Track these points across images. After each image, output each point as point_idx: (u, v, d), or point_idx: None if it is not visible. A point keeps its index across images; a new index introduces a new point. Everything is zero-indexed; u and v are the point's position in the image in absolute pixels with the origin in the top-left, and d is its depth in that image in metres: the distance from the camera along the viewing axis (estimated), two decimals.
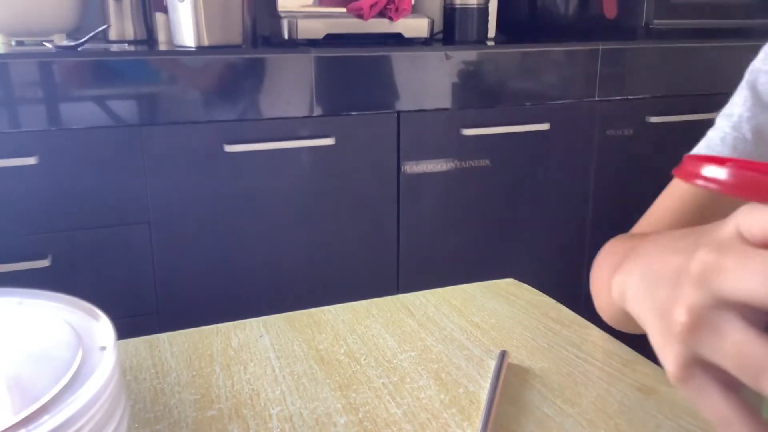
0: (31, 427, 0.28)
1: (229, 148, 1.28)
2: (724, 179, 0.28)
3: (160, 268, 1.29)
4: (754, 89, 0.58)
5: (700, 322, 0.27)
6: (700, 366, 0.27)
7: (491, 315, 0.55)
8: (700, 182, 0.29)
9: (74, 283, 1.24)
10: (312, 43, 1.39)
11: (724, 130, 0.58)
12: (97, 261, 1.25)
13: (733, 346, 0.25)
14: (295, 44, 1.40)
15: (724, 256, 0.26)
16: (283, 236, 1.37)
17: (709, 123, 0.60)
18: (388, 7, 1.44)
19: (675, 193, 0.59)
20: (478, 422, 0.40)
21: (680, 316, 0.27)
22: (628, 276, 0.35)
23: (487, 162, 1.48)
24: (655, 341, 0.30)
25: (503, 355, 0.47)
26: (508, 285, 0.62)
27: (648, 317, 0.32)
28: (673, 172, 0.33)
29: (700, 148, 0.60)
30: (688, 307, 0.27)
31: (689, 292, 0.27)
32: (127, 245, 1.26)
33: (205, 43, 1.32)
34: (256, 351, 0.49)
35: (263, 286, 1.37)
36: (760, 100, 0.57)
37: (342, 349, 0.50)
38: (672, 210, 0.58)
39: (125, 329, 0.44)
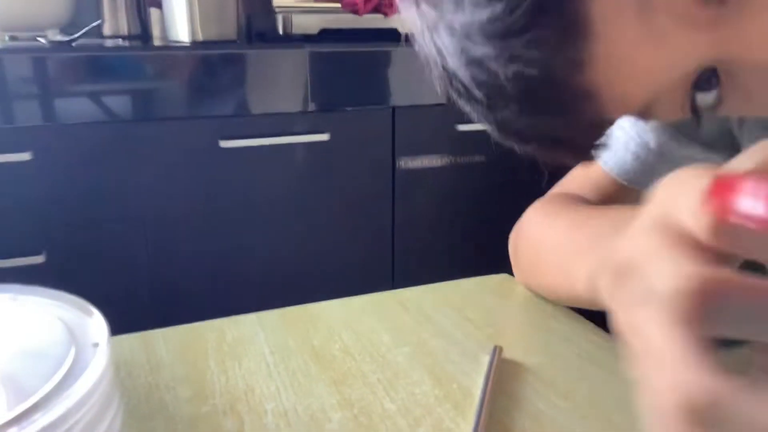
0: (23, 424, 0.28)
1: (224, 144, 1.27)
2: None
3: (155, 263, 1.29)
4: None
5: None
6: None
7: (485, 310, 0.56)
8: (736, 219, 0.20)
9: (69, 280, 1.23)
10: (307, 39, 1.39)
11: (629, 134, 0.56)
12: (91, 257, 1.25)
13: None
14: (290, 39, 1.40)
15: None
16: (278, 232, 1.37)
17: None
18: (382, 2, 1.44)
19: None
20: (472, 417, 0.40)
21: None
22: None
23: (483, 158, 1.48)
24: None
25: (497, 350, 0.47)
26: (502, 280, 0.62)
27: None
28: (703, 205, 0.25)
29: (607, 152, 0.57)
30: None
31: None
32: (121, 241, 1.26)
33: (200, 38, 1.32)
34: (250, 347, 0.49)
35: (258, 282, 1.37)
36: None
37: (337, 345, 0.50)
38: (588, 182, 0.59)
39: (120, 325, 0.43)
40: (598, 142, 0.36)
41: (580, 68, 0.30)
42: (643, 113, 0.35)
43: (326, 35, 1.42)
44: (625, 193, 0.57)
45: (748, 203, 0.19)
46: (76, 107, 1.19)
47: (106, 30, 1.53)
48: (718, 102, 0.33)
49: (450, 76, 0.35)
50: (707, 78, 0.32)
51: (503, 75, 0.31)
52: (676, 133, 0.54)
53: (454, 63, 0.34)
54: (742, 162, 0.21)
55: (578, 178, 0.61)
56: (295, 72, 1.31)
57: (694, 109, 0.34)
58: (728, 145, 0.52)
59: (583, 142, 0.36)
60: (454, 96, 0.37)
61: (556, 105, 0.32)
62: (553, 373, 0.46)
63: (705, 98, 0.33)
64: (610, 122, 0.35)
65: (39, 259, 1.20)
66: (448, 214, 1.49)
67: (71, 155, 1.20)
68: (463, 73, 0.33)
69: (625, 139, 0.56)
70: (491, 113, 0.35)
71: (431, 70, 0.37)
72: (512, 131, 0.35)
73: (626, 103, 0.33)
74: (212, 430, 0.40)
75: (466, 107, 0.37)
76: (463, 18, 0.31)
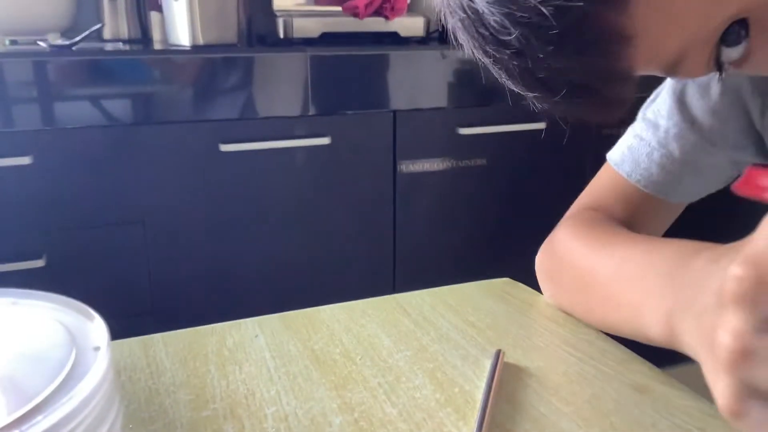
0: (24, 427, 0.28)
1: (225, 148, 1.27)
2: None
3: (155, 267, 1.29)
4: (681, 102, 0.55)
5: (747, 347, 0.24)
6: (756, 397, 0.24)
7: (487, 314, 0.55)
8: None
9: (69, 283, 1.23)
10: (307, 42, 1.39)
11: (651, 144, 0.56)
12: (91, 261, 1.25)
13: None
14: (291, 43, 1.40)
15: (761, 269, 0.23)
16: (279, 236, 1.37)
17: None
18: (383, 6, 1.44)
19: (609, 172, 0.60)
20: (474, 421, 0.40)
21: (725, 340, 0.24)
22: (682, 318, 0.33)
23: (484, 161, 1.48)
24: (707, 375, 0.27)
25: (499, 354, 0.47)
26: (503, 284, 0.62)
27: (698, 350, 0.29)
28: (734, 188, 0.32)
29: (626, 158, 0.58)
30: (732, 330, 0.24)
31: (731, 314, 0.24)
32: (121, 245, 1.26)
33: (201, 42, 1.32)
34: (251, 351, 0.49)
35: (258, 286, 1.37)
36: (688, 116, 0.54)
37: (337, 349, 0.50)
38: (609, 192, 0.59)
39: (120, 329, 0.43)
40: (622, 98, 0.36)
41: (622, 7, 0.31)
42: (671, 68, 0.35)
43: (327, 39, 1.42)
44: (653, 204, 0.57)
45: None
46: (76, 111, 1.19)
47: (107, 34, 1.53)
48: (745, 57, 0.34)
49: (477, 20, 0.34)
50: (736, 31, 0.33)
51: (545, 9, 0.31)
52: (701, 138, 0.54)
53: (485, 2, 0.33)
54: None
55: (604, 190, 0.60)
56: (295, 76, 1.31)
57: (719, 65, 0.35)
58: (754, 142, 0.52)
59: (609, 94, 0.36)
60: (478, 44, 0.35)
61: (592, 46, 0.32)
62: (555, 378, 0.46)
63: (731, 54, 0.34)
64: (638, 78, 0.36)
65: (39, 263, 1.19)
66: (449, 218, 1.49)
67: (71, 159, 1.20)
68: (495, 12, 0.33)
69: (647, 150, 0.56)
70: (521, 57, 0.34)
71: (449, 19, 0.36)
72: (539, 79, 0.35)
73: (660, 52, 0.34)
74: None
75: (487, 58, 0.36)
76: None
